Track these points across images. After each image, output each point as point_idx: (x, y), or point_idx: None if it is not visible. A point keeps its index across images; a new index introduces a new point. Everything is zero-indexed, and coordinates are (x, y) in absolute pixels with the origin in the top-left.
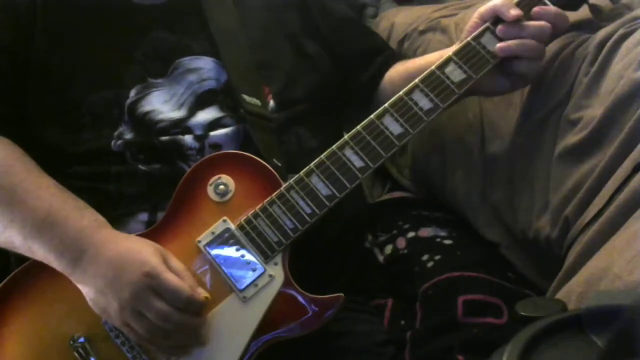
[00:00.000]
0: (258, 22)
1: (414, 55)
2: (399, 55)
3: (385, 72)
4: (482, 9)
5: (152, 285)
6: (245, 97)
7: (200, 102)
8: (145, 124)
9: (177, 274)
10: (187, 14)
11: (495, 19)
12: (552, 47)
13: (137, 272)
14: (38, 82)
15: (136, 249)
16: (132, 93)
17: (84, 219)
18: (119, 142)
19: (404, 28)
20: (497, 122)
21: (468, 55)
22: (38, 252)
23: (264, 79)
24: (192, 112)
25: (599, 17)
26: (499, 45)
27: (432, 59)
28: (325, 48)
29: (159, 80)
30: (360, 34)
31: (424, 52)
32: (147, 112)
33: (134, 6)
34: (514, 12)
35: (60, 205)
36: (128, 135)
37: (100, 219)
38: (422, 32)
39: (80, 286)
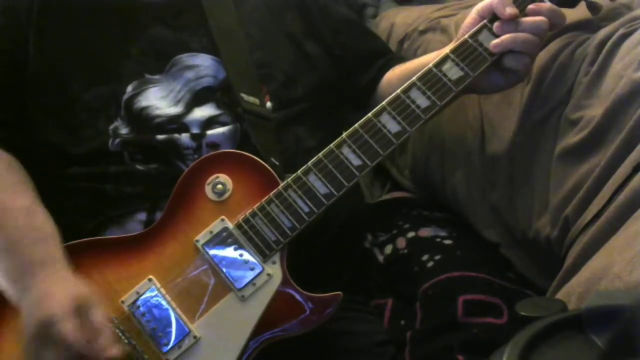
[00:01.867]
0: (258, 21)
1: (414, 55)
2: (400, 57)
3: (384, 74)
4: (480, 5)
5: (43, 335)
6: (244, 95)
7: (197, 99)
8: (142, 120)
9: (93, 328)
10: (186, 10)
11: (493, 16)
12: (552, 47)
13: (35, 318)
14: (35, 79)
15: (49, 292)
16: (129, 89)
17: (36, 253)
18: (117, 141)
19: (404, 28)
20: (497, 122)
21: (465, 53)
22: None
23: (263, 78)
24: (188, 108)
25: (597, 15)
26: (494, 42)
27: (430, 58)
28: (325, 49)
29: (156, 77)
30: (361, 37)
31: (424, 52)
32: (144, 108)
33: (133, 2)
34: (510, 10)
35: (18, 236)
36: (123, 130)
37: (53, 254)
38: (422, 32)
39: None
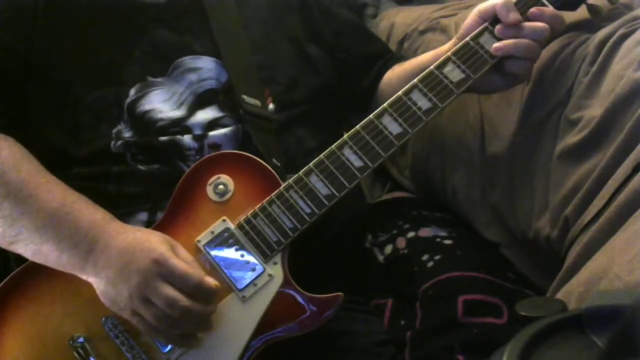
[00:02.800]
0: (260, 24)
1: (414, 55)
2: (399, 56)
3: (384, 74)
4: (483, 7)
5: (160, 272)
6: (245, 97)
7: (199, 101)
8: (145, 123)
9: (187, 261)
10: (189, 13)
11: (494, 18)
12: (552, 47)
13: (145, 259)
14: (38, 81)
15: (144, 238)
16: (132, 92)
17: (97, 212)
18: (119, 142)
19: (404, 28)
20: (497, 122)
21: (467, 55)
22: (48, 243)
23: (265, 81)
24: (191, 111)
25: (598, 18)
26: (495, 45)
27: (428, 57)
28: (326, 51)
29: (159, 79)
30: (362, 39)
31: (424, 52)
32: (147, 111)
33: (135, 5)
34: (513, 15)
35: (74, 198)
36: (127, 134)
37: (110, 214)
38: (422, 32)
39: (91, 279)
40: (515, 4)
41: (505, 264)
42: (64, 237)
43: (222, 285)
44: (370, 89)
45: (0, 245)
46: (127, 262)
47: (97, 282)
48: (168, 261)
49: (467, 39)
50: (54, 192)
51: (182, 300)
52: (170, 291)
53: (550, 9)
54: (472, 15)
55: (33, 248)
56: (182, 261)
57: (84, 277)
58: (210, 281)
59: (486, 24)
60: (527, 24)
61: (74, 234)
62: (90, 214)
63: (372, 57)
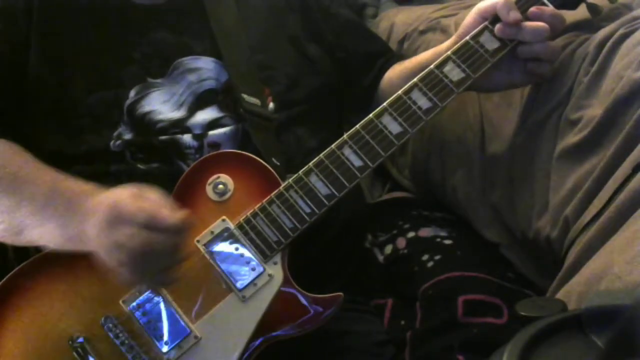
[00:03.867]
0: (260, 23)
1: (415, 55)
2: (400, 56)
3: (385, 73)
4: (482, 5)
5: (114, 215)
6: (245, 96)
7: (199, 102)
8: (145, 124)
9: (146, 202)
10: (188, 13)
11: (494, 17)
12: None
13: (105, 208)
14: (37, 84)
15: (114, 191)
16: (132, 93)
17: (87, 184)
18: (118, 142)
19: (404, 28)
20: (497, 122)
21: (467, 55)
22: (50, 221)
23: (265, 80)
24: (191, 112)
25: (598, 17)
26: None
27: (428, 56)
28: (327, 51)
29: (159, 80)
30: (362, 39)
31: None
32: (147, 113)
33: (134, 6)
34: (514, 14)
35: (63, 177)
36: (127, 136)
37: (97, 188)
38: (422, 32)
39: (91, 248)
40: (516, 3)
41: (505, 264)
42: (62, 211)
43: (222, 285)
44: (371, 88)
45: (11, 241)
46: (98, 217)
47: (94, 249)
48: (119, 203)
49: (467, 38)
50: (45, 176)
51: (139, 233)
52: (127, 229)
53: (550, 8)
54: (472, 14)
55: (40, 231)
56: (137, 201)
57: (89, 248)
58: (177, 214)
59: (486, 22)
60: (527, 23)
61: (69, 206)
62: (80, 186)
63: (373, 56)
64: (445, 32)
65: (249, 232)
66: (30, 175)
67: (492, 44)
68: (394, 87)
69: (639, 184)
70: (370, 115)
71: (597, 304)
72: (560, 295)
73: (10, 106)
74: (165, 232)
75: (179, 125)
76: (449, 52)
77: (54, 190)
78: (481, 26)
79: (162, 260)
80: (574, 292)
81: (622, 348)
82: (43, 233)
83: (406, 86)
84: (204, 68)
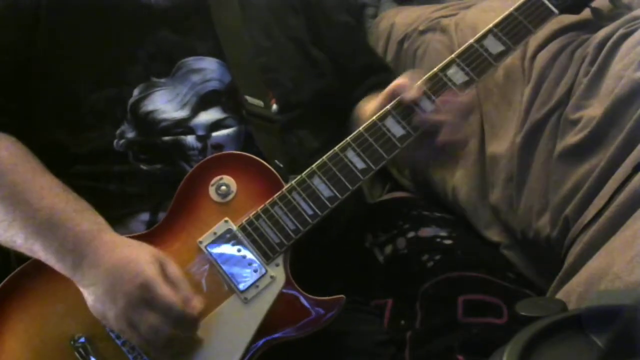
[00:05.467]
0: (264, 26)
1: (414, 55)
2: (387, 80)
3: (373, 91)
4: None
5: (145, 298)
6: (248, 98)
7: (203, 102)
8: (148, 124)
9: (174, 283)
10: (193, 14)
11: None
12: (552, 47)
13: (132, 283)
14: (41, 80)
15: (133, 258)
16: (136, 92)
17: (84, 222)
18: (121, 141)
19: (404, 28)
20: (497, 122)
21: (471, 58)
22: (39, 253)
23: (269, 83)
24: (194, 112)
25: (601, 20)
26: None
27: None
28: (329, 56)
29: (163, 80)
30: (357, 50)
31: (424, 52)
32: (150, 112)
33: (139, 5)
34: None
35: (62, 207)
36: (130, 134)
37: (101, 221)
38: (422, 32)
39: (81, 289)
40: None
41: (505, 264)
42: (52, 250)
43: (224, 286)
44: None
45: (5, 245)
46: (114, 283)
47: (86, 295)
48: (154, 289)
49: (471, 41)
50: (44, 199)
51: (165, 329)
52: (153, 319)
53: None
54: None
55: (28, 252)
56: (168, 287)
57: (85, 293)
58: (195, 308)
59: (490, 25)
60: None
61: (60, 248)
62: (76, 225)
63: (365, 71)
64: (445, 32)
65: (251, 234)
66: (30, 193)
67: (496, 48)
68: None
69: (639, 184)
70: (374, 117)
71: (597, 304)
72: (560, 295)
73: (15, 103)
74: (190, 330)
75: (182, 125)
76: (453, 55)
77: (49, 222)
78: (485, 30)
79: (176, 350)
80: (574, 292)
81: (622, 348)
82: (32, 254)
83: None
84: (208, 69)
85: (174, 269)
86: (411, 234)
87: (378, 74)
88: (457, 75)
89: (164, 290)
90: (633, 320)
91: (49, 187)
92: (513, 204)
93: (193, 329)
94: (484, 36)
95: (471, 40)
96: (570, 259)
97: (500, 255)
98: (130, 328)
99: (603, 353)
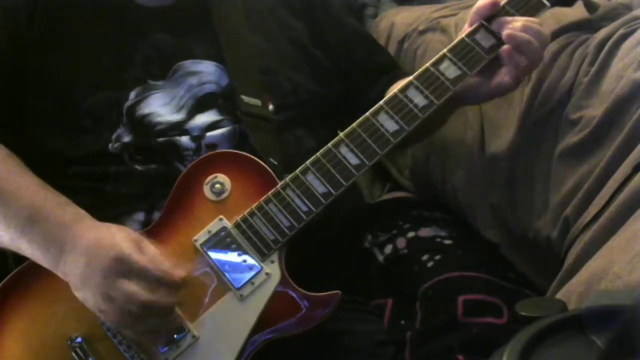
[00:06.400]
0: (264, 27)
1: (414, 55)
2: (403, 73)
3: (389, 87)
4: (478, 5)
5: (119, 269)
6: (244, 97)
7: (199, 105)
8: (144, 126)
9: (150, 258)
10: (192, 16)
11: (491, 16)
12: (552, 47)
13: (106, 257)
14: (37, 84)
15: (108, 236)
16: (132, 95)
17: (65, 214)
18: (117, 144)
19: (404, 28)
20: (497, 122)
21: (462, 52)
22: (26, 251)
23: (267, 84)
24: (191, 115)
25: (595, 13)
26: (506, 32)
27: None
28: (331, 59)
29: (159, 83)
30: (370, 50)
31: (424, 52)
32: (146, 115)
33: (136, 8)
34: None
35: (41, 203)
36: (126, 138)
37: (82, 212)
38: (422, 32)
39: (67, 280)
40: (508, 4)
41: (505, 264)
42: (36, 245)
43: (220, 284)
44: (378, 100)
45: None
46: (90, 261)
47: (71, 283)
48: (127, 258)
49: (462, 35)
50: (23, 199)
51: (141, 294)
52: (128, 286)
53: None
54: (471, 15)
55: (19, 251)
56: (144, 256)
57: (66, 279)
58: (175, 274)
59: (482, 21)
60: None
61: (43, 242)
62: (58, 216)
63: (381, 70)
64: (445, 32)
65: (246, 231)
66: (9, 195)
67: (487, 41)
68: None
69: (639, 184)
70: (367, 113)
71: (597, 304)
72: (560, 295)
73: (10, 106)
74: (169, 295)
75: (178, 128)
76: (444, 50)
77: (31, 219)
78: (476, 24)
79: (155, 322)
80: (574, 292)
81: (622, 348)
82: (19, 252)
83: (402, 84)
84: (205, 72)
85: (149, 246)
86: (411, 234)
87: (390, 72)
88: (449, 69)
89: (139, 258)
90: (633, 320)
91: (26, 186)
92: (513, 204)
93: (171, 296)
94: (475, 31)
95: (462, 35)
96: (570, 259)
97: (500, 255)
98: (107, 302)
99: (603, 353)
